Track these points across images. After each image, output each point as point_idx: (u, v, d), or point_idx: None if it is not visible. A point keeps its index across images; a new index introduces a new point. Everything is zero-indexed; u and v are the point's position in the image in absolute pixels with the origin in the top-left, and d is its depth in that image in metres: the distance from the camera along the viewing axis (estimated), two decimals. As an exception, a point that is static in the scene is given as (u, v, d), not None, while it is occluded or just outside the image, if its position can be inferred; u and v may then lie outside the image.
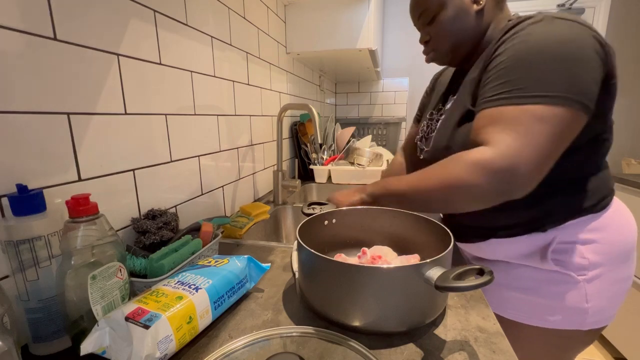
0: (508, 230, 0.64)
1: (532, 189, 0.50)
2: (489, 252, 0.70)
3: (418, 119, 0.90)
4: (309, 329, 0.43)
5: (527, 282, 0.65)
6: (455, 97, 0.69)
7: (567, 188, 0.59)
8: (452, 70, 0.80)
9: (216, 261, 0.52)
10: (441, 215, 0.81)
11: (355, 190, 0.70)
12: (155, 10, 0.66)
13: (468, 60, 0.68)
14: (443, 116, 0.71)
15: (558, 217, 0.60)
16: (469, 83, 0.63)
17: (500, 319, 0.67)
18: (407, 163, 0.92)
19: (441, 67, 0.83)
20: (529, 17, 0.56)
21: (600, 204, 0.61)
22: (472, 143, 0.54)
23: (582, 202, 0.60)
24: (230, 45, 0.96)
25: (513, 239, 0.64)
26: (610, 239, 0.61)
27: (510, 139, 0.48)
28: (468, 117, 0.61)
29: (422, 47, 0.74)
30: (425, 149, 0.75)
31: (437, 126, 0.71)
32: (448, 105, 0.71)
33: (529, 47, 0.51)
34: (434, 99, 0.81)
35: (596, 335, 0.66)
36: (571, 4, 2.21)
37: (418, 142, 0.80)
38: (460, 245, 0.75)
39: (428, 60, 0.73)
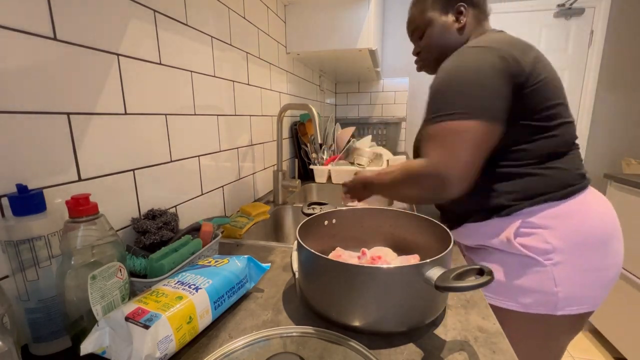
0: (477, 214, 0.73)
1: (464, 186, 0.61)
2: (467, 237, 0.78)
3: None
4: (309, 329, 0.43)
5: (501, 266, 0.71)
6: None
7: (525, 176, 0.67)
8: None
9: (216, 261, 0.52)
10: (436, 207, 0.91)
11: (359, 182, 0.82)
12: (155, 10, 0.66)
13: None
14: None
15: (518, 201, 0.67)
16: None
17: None
18: None
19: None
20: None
21: (562, 192, 0.66)
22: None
23: (540, 189, 0.66)
24: (230, 45, 0.96)
25: (483, 222, 0.72)
26: (572, 226, 0.65)
27: (436, 152, 0.62)
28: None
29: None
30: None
31: None
32: None
33: (439, 79, 0.66)
34: None
35: (579, 323, 0.70)
36: (571, 4, 2.21)
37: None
38: None
39: (418, 69, 0.88)
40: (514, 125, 0.65)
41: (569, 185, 0.67)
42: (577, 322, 0.69)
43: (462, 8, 0.74)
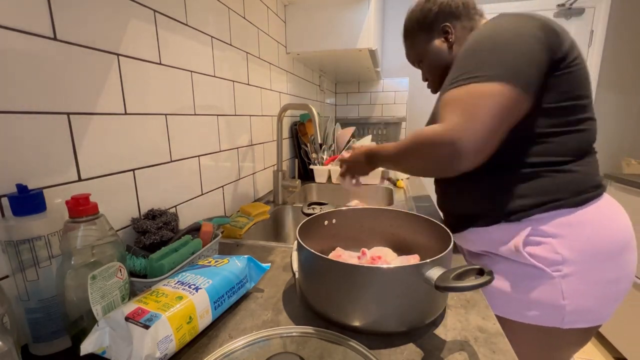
0: (485, 218, 0.67)
1: (481, 158, 0.55)
2: (471, 242, 0.73)
3: None
4: (309, 329, 0.43)
5: (507, 276, 0.66)
6: None
7: (539, 177, 0.62)
8: None
9: (216, 261, 0.52)
10: (439, 209, 0.87)
11: (361, 155, 0.81)
12: (155, 10, 0.66)
13: None
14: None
15: (530, 206, 0.62)
16: None
17: None
18: None
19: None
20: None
21: (577, 199, 0.61)
22: None
23: (555, 194, 0.61)
24: (230, 45, 0.96)
25: (489, 227, 0.67)
26: (584, 237, 0.61)
27: (455, 116, 0.55)
28: None
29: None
30: None
31: None
32: None
33: (473, 40, 0.61)
34: None
35: (586, 336, 0.66)
36: (571, 4, 2.21)
37: None
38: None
39: (433, 92, 0.86)
40: (540, 108, 0.59)
41: (585, 192, 0.62)
42: (584, 336, 0.66)
43: (446, 28, 0.75)
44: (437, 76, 0.80)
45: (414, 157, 0.62)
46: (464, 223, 0.72)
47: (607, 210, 0.63)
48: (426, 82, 0.87)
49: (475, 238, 0.72)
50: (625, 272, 0.63)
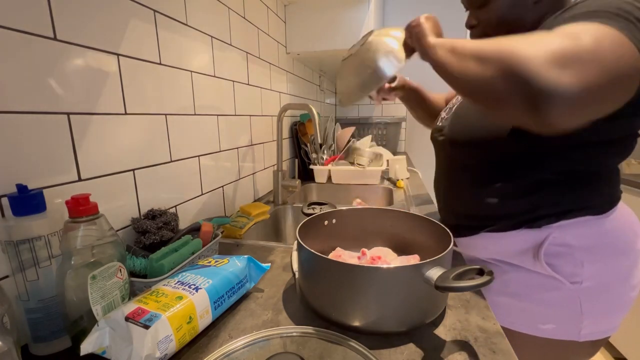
0: (499, 221, 0.61)
1: (572, 116, 0.40)
2: (481, 249, 0.67)
3: None
4: (309, 329, 0.43)
5: (518, 287, 0.62)
6: None
7: (568, 182, 0.56)
8: None
9: (216, 261, 0.52)
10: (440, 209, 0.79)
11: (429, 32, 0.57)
12: (155, 10, 0.66)
13: None
14: None
15: (553, 211, 0.57)
16: None
17: None
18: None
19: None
20: None
21: (602, 207, 0.57)
22: None
23: (582, 201, 0.56)
24: (230, 45, 0.96)
25: (504, 233, 0.61)
26: (610, 245, 0.57)
27: (587, 36, 0.40)
28: None
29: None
30: (441, 124, 0.73)
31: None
32: None
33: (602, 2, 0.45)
34: None
35: (598, 347, 0.63)
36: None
37: (438, 123, 0.77)
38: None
39: None
40: (633, 115, 0.49)
41: (611, 201, 0.58)
42: (596, 347, 0.63)
43: None
44: (495, 31, 0.60)
45: (505, 56, 0.41)
46: (475, 226, 0.65)
47: (626, 217, 0.61)
48: (469, 31, 0.66)
49: (487, 244, 0.65)
50: (638, 280, 0.60)
